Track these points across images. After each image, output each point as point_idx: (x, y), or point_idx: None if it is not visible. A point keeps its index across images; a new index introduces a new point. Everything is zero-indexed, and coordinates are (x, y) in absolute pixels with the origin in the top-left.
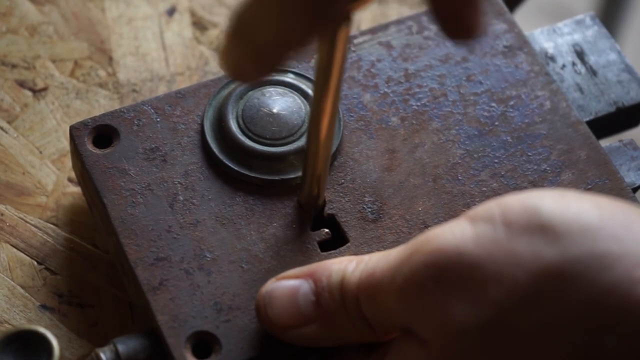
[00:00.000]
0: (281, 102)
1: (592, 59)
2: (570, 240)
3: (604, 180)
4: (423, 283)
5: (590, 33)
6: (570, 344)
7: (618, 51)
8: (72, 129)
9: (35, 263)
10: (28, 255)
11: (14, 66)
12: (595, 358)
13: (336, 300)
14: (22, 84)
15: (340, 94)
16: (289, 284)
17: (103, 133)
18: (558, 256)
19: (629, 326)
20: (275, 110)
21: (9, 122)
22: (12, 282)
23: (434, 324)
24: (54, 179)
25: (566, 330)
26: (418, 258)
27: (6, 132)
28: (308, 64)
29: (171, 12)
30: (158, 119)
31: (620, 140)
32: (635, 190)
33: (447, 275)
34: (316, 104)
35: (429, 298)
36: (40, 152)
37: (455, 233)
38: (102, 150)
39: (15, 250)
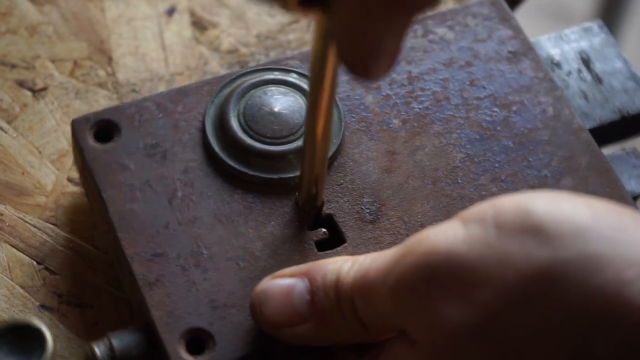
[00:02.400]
0: (283, 101)
1: (598, 67)
2: (561, 242)
3: (604, 188)
4: (414, 284)
5: (597, 41)
6: (560, 345)
7: (624, 59)
8: (74, 123)
9: (35, 263)
10: (27, 255)
11: (13, 66)
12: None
13: (331, 300)
14: (21, 84)
15: (334, 96)
16: (284, 283)
17: (104, 128)
18: (549, 258)
19: (618, 327)
20: (276, 109)
21: (8, 122)
22: (12, 282)
23: (424, 325)
24: (53, 179)
25: (556, 331)
26: (410, 259)
27: (5, 132)
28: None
29: (171, 12)
30: (159, 115)
31: (623, 149)
32: (635, 198)
33: (438, 276)
34: (311, 106)
35: (420, 299)
36: (40, 152)
37: (447, 234)
38: (103, 144)
39: (14, 250)
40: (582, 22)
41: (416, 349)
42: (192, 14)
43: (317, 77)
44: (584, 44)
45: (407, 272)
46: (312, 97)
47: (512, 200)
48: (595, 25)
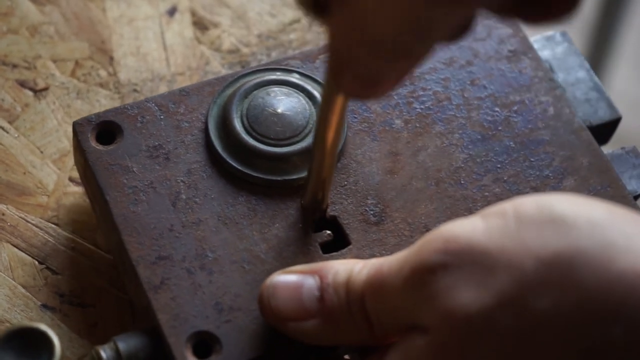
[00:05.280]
0: (286, 102)
1: (560, 77)
2: (579, 231)
3: (605, 188)
4: (432, 270)
5: (560, 50)
6: (575, 333)
7: (587, 69)
8: (76, 124)
9: (37, 263)
10: (29, 255)
11: (14, 66)
12: (602, 348)
13: (340, 298)
14: (23, 84)
15: (347, 106)
16: (294, 278)
17: (106, 129)
18: (566, 245)
19: (635, 317)
20: (279, 110)
21: (9, 122)
22: (14, 282)
23: (438, 309)
24: (54, 179)
25: (572, 318)
26: (428, 248)
27: (7, 132)
28: (313, 65)
29: (172, 12)
30: (162, 117)
31: (623, 148)
32: (636, 198)
33: (456, 262)
34: (323, 115)
35: (436, 284)
36: (41, 152)
37: (466, 227)
38: (106, 146)
39: (16, 250)
40: (579, 24)
41: (427, 336)
42: (194, 13)
43: (329, 91)
44: (546, 53)
45: (424, 259)
46: (324, 108)
47: (533, 198)
48: (557, 34)
